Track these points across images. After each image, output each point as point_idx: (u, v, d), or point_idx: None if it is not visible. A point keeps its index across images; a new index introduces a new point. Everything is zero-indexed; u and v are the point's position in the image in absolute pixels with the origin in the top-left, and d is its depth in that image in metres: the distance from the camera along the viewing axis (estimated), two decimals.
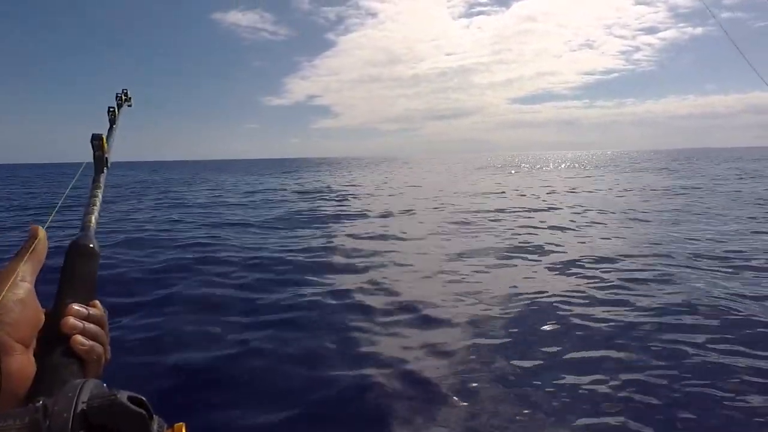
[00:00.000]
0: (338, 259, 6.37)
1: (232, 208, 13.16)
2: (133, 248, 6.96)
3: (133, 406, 0.31)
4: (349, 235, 8.26)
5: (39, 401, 0.31)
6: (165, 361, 3.27)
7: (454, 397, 2.73)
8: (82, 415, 0.30)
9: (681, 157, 63.40)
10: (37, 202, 16.72)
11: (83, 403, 0.31)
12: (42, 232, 0.51)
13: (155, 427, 0.32)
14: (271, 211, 11.91)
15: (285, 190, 20.18)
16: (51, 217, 0.59)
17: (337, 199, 15.37)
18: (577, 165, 42.53)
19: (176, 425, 0.33)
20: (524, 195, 15.35)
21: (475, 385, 2.87)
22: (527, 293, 4.58)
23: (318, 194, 17.40)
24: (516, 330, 3.70)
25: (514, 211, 10.97)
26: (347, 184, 23.43)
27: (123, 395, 0.32)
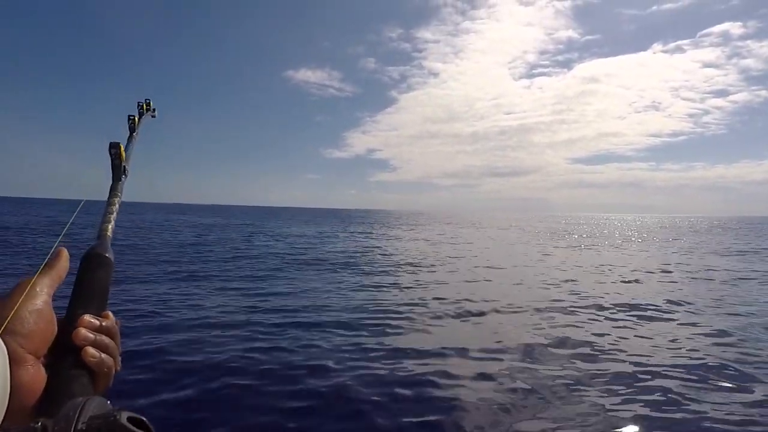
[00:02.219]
0: None
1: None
2: None
3: (132, 427, 0.31)
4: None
5: (38, 422, 0.30)
6: None
7: None
8: None
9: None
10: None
11: (83, 423, 0.31)
12: (65, 253, 0.52)
13: None
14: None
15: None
16: (59, 238, 0.59)
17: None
18: (646, 235, 32.39)
19: None
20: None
21: None
22: None
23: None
24: None
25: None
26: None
27: (123, 416, 0.31)
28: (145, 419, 0.32)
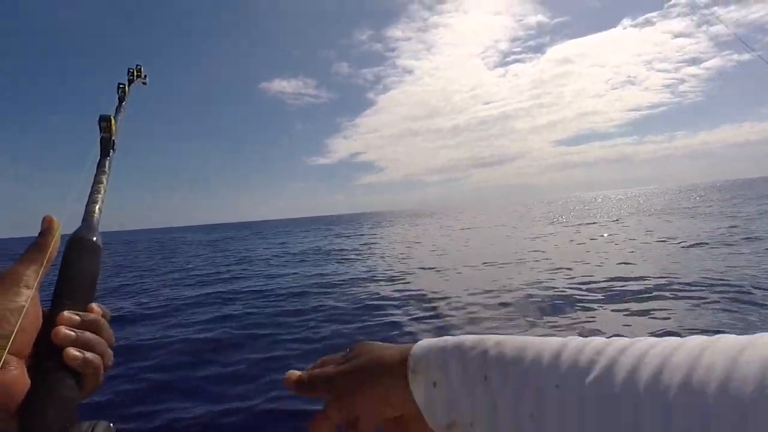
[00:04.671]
0: None
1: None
2: None
3: None
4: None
5: None
6: None
7: None
8: None
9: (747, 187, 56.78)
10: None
11: None
12: (56, 224, 0.47)
13: None
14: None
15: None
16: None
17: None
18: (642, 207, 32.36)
19: None
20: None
21: None
22: None
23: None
24: None
25: None
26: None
27: None
28: None
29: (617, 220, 21.84)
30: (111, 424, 0.34)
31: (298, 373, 0.50)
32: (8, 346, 0.38)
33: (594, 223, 21.02)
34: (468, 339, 0.43)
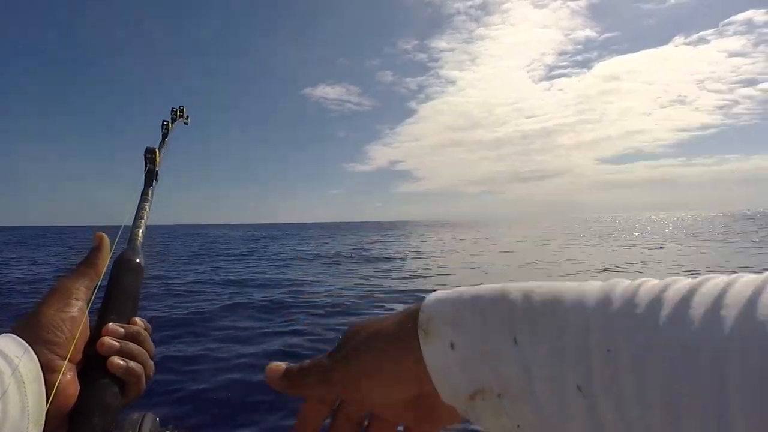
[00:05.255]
0: None
1: None
2: None
3: None
4: None
5: None
6: None
7: None
8: None
9: None
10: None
11: None
12: (105, 241, 0.51)
13: None
14: None
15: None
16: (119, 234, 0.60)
17: None
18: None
19: None
20: None
21: None
22: None
23: None
24: None
25: None
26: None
27: None
28: None
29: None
30: (157, 419, 0.35)
31: (283, 365, 0.39)
32: (68, 354, 0.42)
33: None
34: (487, 289, 0.33)
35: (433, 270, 11.90)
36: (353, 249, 20.47)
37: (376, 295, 7.76)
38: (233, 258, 16.46)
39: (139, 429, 0.33)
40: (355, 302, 6.99)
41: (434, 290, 0.36)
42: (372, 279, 10.07)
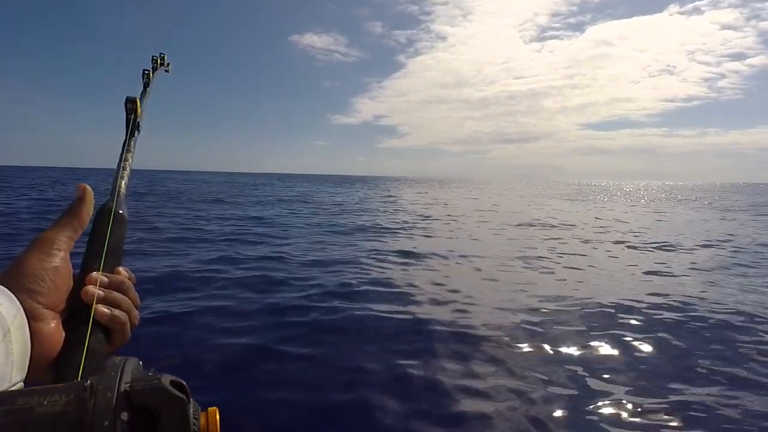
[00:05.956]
0: None
1: None
2: None
3: (175, 391, 0.32)
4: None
5: (87, 380, 0.31)
6: None
7: None
8: (125, 396, 0.31)
9: None
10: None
11: (126, 384, 0.32)
12: (89, 192, 0.51)
13: (191, 411, 0.32)
14: None
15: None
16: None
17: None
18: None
19: (210, 409, 0.33)
20: None
21: None
22: None
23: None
24: None
25: None
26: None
27: (166, 379, 0.32)
28: (185, 384, 0.33)
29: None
30: (140, 362, 0.36)
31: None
32: (52, 303, 0.42)
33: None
34: None
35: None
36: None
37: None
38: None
39: (122, 370, 0.32)
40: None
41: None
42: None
